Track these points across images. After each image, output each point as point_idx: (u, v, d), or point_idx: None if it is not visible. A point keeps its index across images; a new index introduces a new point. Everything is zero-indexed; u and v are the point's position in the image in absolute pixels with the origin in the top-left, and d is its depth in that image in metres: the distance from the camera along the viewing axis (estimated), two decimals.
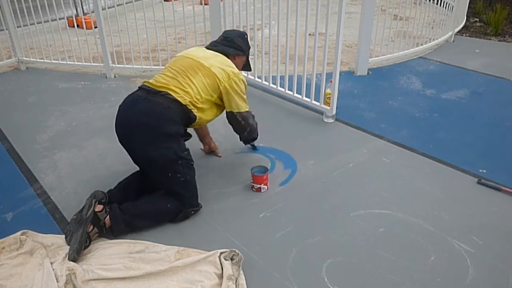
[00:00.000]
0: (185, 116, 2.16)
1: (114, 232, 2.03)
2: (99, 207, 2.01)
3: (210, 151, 2.79)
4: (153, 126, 2.05)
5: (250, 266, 1.88)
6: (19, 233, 2.01)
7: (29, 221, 2.17)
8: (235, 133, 2.49)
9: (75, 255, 1.86)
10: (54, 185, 2.47)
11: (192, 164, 2.18)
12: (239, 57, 2.48)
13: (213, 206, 2.28)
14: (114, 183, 2.24)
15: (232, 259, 1.87)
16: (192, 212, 2.18)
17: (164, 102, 2.09)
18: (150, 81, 2.22)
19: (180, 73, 2.20)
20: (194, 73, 2.20)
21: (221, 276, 1.80)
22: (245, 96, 2.35)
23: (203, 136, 2.76)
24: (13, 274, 1.81)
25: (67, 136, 3.02)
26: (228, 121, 2.39)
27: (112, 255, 1.93)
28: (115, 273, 1.81)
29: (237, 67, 2.39)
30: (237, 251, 1.89)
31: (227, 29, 2.71)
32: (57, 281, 1.76)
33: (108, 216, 2.02)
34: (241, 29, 3.67)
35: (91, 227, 1.96)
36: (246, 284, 1.78)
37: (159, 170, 2.10)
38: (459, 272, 1.85)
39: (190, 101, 2.14)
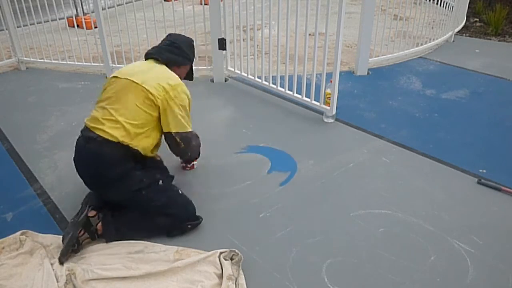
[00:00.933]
0: (124, 152, 2.00)
1: (106, 239, 2.00)
2: (92, 213, 2.01)
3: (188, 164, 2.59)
4: (100, 177, 2.00)
5: (250, 266, 1.87)
6: (18, 233, 2.01)
7: (29, 221, 2.17)
8: (234, 133, 2.47)
9: (61, 257, 1.85)
10: (54, 185, 2.47)
11: (164, 183, 2.08)
12: (184, 67, 2.33)
13: (213, 206, 2.28)
14: None
15: (232, 259, 1.87)
16: (189, 226, 2.07)
17: (97, 148, 1.97)
18: (86, 120, 2.09)
19: (110, 99, 2.05)
20: (125, 94, 2.03)
21: (221, 276, 1.80)
22: (187, 111, 2.14)
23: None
24: (13, 274, 1.81)
25: (67, 136, 3.01)
26: (165, 141, 2.18)
27: (112, 255, 1.93)
28: (115, 273, 1.81)
29: (179, 75, 2.22)
30: (237, 251, 1.89)
31: (172, 32, 2.44)
32: (57, 281, 1.77)
33: (100, 223, 2.01)
34: (241, 29, 3.68)
35: (82, 231, 1.94)
36: (246, 284, 1.78)
37: (135, 206, 2.05)
38: (459, 272, 1.85)
39: (120, 135, 1.97)
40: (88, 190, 2.16)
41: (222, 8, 3.70)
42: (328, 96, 3.17)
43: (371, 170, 2.60)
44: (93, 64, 4.24)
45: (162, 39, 2.42)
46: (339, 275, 1.84)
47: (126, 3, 4.71)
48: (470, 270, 1.86)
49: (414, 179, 2.51)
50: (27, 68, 4.46)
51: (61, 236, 1.99)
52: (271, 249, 1.99)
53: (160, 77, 2.09)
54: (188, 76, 2.44)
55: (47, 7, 4.17)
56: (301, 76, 3.27)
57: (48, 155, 2.79)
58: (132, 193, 2.00)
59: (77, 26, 4.43)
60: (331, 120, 3.22)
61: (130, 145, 2.01)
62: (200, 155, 2.52)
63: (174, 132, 2.10)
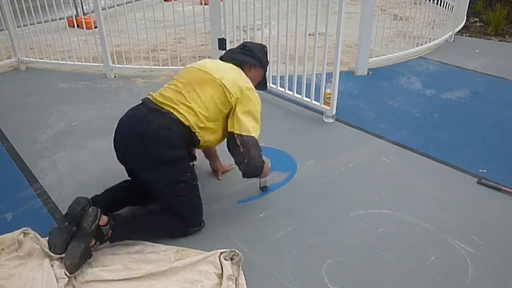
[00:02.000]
0: (188, 138, 1.98)
1: (111, 242, 1.96)
2: (104, 220, 1.88)
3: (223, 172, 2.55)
4: (151, 152, 1.91)
5: (250, 266, 1.87)
6: (18, 232, 1.98)
7: (29, 221, 2.16)
8: None
9: (73, 270, 1.78)
10: (54, 185, 2.47)
11: (196, 183, 2.06)
12: (255, 69, 2.27)
13: (213, 206, 2.28)
14: (114, 183, 2.24)
15: (232, 259, 1.87)
16: (192, 231, 2.07)
17: (165, 123, 1.92)
18: (154, 94, 2.07)
19: (186, 86, 2.02)
20: (202, 86, 2.01)
21: (221, 276, 1.80)
22: (258, 117, 2.08)
23: (211, 160, 2.53)
24: (13, 274, 1.81)
25: (67, 136, 3.01)
26: (227, 145, 2.10)
27: (111, 255, 1.93)
28: (115, 274, 1.81)
29: (251, 80, 2.17)
30: (237, 251, 1.89)
31: (249, 41, 2.42)
32: (57, 282, 1.76)
33: (111, 230, 1.93)
34: (241, 29, 3.67)
35: (94, 242, 1.86)
36: (246, 284, 1.78)
37: (159, 191, 2.00)
38: (459, 272, 1.85)
39: (193, 121, 1.95)
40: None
41: (222, 8, 3.70)
42: (328, 96, 3.17)
43: (371, 170, 2.60)
44: (93, 64, 4.24)
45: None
46: (339, 275, 1.84)
47: (126, 3, 4.72)
48: (470, 270, 1.86)
49: (414, 179, 2.51)
50: (27, 68, 4.46)
51: None
52: (271, 249, 1.99)
53: (237, 77, 2.08)
54: (260, 84, 2.36)
55: (47, 7, 4.17)
56: (301, 76, 3.27)
57: (48, 155, 2.79)
58: (174, 182, 1.94)
59: (77, 26, 4.43)
60: (331, 120, 3.22)
61: (197, 134, 1.98)
62: (267, 174, 2.30)
63: (237, 134, 2.01)
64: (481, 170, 2.59)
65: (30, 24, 4.30)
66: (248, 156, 2.03)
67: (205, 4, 4.06)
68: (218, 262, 1.85)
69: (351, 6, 6.87)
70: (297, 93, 3.38)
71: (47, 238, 1.92)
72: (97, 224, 1.85)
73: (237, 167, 2.12)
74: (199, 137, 2.00)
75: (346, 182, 2.49)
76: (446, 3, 5.12)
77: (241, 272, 1.83)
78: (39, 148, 2.89)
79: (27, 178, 2.56)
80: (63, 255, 1.82)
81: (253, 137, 2.03)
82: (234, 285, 1.76)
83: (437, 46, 5.02)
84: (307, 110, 3.38)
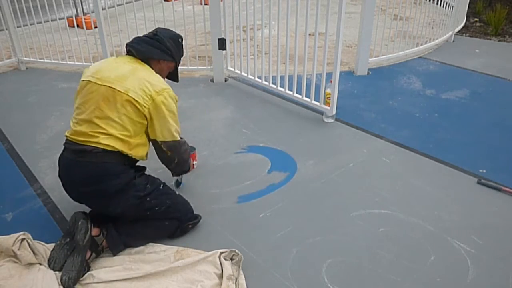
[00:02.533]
0: (125, 159, 1.92)
1: (113, 253, 1.94)
2: (95, 231, 1.91)
3: None
4: (100, 190, 1.85)
5: (250, 266, 1.87)
6: (14, 239, 1.86)
7: (29, 221, 2.17)
8: (234, 133, 2.46)
9: (71, 284, 1.75)
10: (54, 185, 2.47)
11: (163, 187, 2.02)
12: (165, 62, 2.09)
13: (213, 206, 2.28)
14: None
15: (232, 259, 1.87)
16: (190, 226, 2.06)
17: (96, 160, 1.83)
18: (69, 132, 1.95)
19: (94, 111, 1.86)
20: (109, 105, 1.86)
21: (221, 276, 1.80)
22: (175, 118, 1.99)
23: None
24: (13, 274, 1.80)
25: None
26: (154, 149, 2.04)
27: (111, 256, 1.93)
28: (115, 275, 1.81)
29: (160, 73, 2.04)
30: (237, 251, 1.89)
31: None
32: (58, 284, 1.77)
33: (105, 240, 1.94)
34: (241, 29, 3.67)
35: (89, 253, 1.87)
36: (246, 284, 1.78)
37: (135, 216, 1.96)
38: (459, 272, 1.85)
39: (119, 146, 1.86)
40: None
41: (222, 8, 3.69)
42: (328, 96, 3.17)
43: (371, 170, 2.60)
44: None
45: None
46: (339, 275, 1.84)
47: (126, 3, 4.71)
48: (470, 270, 1.86)
49: (414, 179, 2.51)
50: (27, 68, 4.46)
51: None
52: (271, 249, 1.99)
53: (143, 82, 1.90)
54: (171, 76, 2.21)
55: (47, 7, 4.17)
56: (301, 76, 3.27)
57: (48, 155, 2.79)
58: (138, 201, 1.89)
59: (77, 26, 4.43)
60: (331, 120, 3.22)
61: (130, 155, 1.92)
62: (190, 169, 2.33)
63: (161, 141, 1.97)
64: (481, 170, 2.59)
65: (30, 24, 4.30)
66: (177, 157, 2.06)
67: (205, 4, 4.06)
68: (218, 262, 1.85)
69: (351, 6, 6.87)
70: (297, 93, 3.38)
71: (48, 246, 1.92)
72: (90, 236, 1.85)
73: None
74: (134, 158, 1.95)
75: (346, 182, 2.49)
76: (446, 3, 5.12)
77: (241, 272, 1.83)
78: (39, 148, 2.89)
79: (27, 178, 2.56)
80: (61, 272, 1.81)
81: (176, 140, 2.01)
82: (234, 285, 1.76)
83: (437, 46, 5.02)
84: (307, 110, 3.38)
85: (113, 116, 1.86)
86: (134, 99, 1.86)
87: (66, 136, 1.97)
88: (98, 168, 1.84)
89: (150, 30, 2.15)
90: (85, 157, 1.85)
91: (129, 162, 1.96)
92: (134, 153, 1.93)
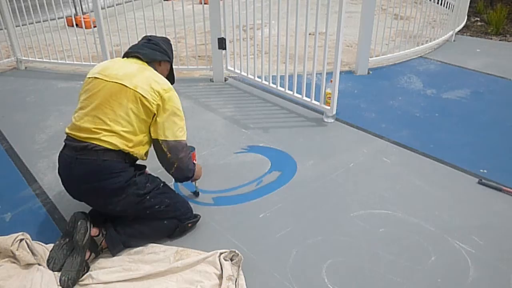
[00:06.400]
0: (126, 157, 1.92)
1: (112, 253, 1.94)
2: (94, 231, 1.90)
3: None
4: (100, 188, 1.85)
5: (250, 266, 1.87)
6: (11, 241, 1.86)
7: (28, 221, 2.16)
8: (234, 133, 2.46)
9: (70, 284, 1.75)
10: (53, 185, 2.46)
11: (162, 186, 2.02)
12: (164, 64, 2.15)
13: (213, 206, 2.27)
14: None
15: (232, 259, 1.86)
16: (189, 225, 2.06)
17: (97, 158, 1.83)
18: (70, 128, 1.95)
19: (100, 106, 1.87)
20: (116, 100, 1.87)
21: (220, 277, 1.79)
22: (182, 118, 1.98)
23: None
24: (12, 275, 1.80)
25: None
26: (155, 151, 2.01)
27: (111, 257, 1.93)
28: (115, 275, 1.80)
29: (161, 75, 2.07)
30: (236, 251, 1.88)
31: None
32: (57, 284, 1.76)
33: (104, 240, 1.94)
34: (241, 29, 3.66)
35: (89, 253, 1.87)
36: (246, 284, 1.78)
37: (135, 214, 1.97)
38: (460, 273, 1.85)
39: (121, 144, 1.86)
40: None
41: (222, 7, 3.68)
42: (328, 95, 3.16)
43: (371, 170, 2.59)
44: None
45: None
46: (339, 275, 1.84)
47: (126, 2, 4.70)
48: (470, 271, 1.86)
49: (414, 179, 2.50)
50: (26, 67, 4.45)
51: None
52: (271, 249, 1.98)
53: (151, 80, 1.93)
54: (169, 77, 2.21)
55: (46, 6, 4.16)
56: (301, 75, 3.26)
57: (47, 155, 2.78)
58: (137, 199, 1.90)
59: (76, 25, 4.43)
60: (331, 120, 3.21)
61: (131, 153, 1.92)
62: (200, 176, 2.27)
63: (162, 140, 1.93)
64: (481, 170, 2.59)
65: (29, 24, 4.29)
66: (177, 161, 1.98)
67: (205, 4, 4.05)
68: (218, 263, 1.84)
69: (352, 6, 6.86)
70: (297, 92, 3.37)
71: (47, 246, 1.92)
72: (89, 236, 1.85)
73: None
74: (134, 156, 1.95)
75: (346, 182, 2.48)
76: (447, 3, 5.11)
77: (241, 272, 1.82)
78: (38, 148, 2.88)
79: (26, 178, 2.55)
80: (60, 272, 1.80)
81: (178, 140, 1.96)
82: (234, 285, 1.75)
83: (437, 46, 5.01)
84: (307, 110, 3.37)
85: (118, 111, 1.87)
86: (142, 95, 1.87)
87: (67, 132, 1.97)
88: (98, 166, 1.84)
89: (150, 30, 2.15)
90: (86, 155, 1.85)
91: (129, 160, 1.95)
92: (135, 151, 1.94)
